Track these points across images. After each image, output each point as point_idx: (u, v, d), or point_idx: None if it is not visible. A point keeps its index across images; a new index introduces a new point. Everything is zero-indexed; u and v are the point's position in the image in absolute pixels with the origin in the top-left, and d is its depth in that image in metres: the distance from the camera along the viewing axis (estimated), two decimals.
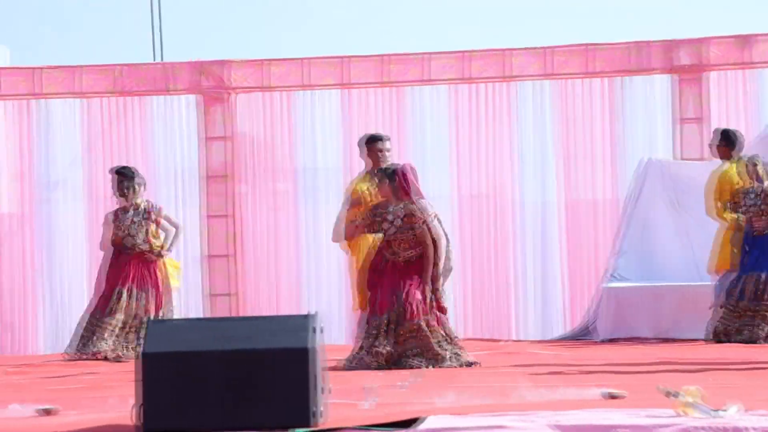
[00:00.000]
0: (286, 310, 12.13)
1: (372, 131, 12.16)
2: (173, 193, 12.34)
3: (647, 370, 7.86)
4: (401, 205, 8.63)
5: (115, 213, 10.45)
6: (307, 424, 5.03)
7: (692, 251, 11.32)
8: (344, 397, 6.18)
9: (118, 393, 6.99)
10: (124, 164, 11.19)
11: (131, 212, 10.39)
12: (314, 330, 5.23)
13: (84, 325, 10.33)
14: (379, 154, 9.47)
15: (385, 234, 8.67)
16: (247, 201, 12.40)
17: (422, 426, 4.93)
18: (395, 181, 8.63)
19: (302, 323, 5.22)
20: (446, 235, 8.74)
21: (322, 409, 5.18)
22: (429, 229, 8.60)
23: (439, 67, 12.15)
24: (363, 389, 6.54)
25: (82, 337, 10.24)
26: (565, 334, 11.75)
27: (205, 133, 12.30)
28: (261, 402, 5.06)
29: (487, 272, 12.14)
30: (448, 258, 8.72)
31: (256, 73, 12.24)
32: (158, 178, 12.43)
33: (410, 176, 8.70)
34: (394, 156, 12.19)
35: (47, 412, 5.90)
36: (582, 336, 11.48)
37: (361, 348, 8.60)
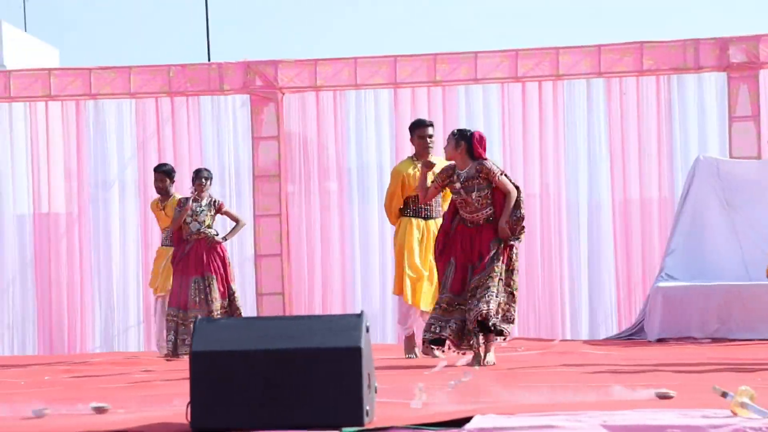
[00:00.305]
0: (335, 309, 12.16)
1: None
2: (224, 193, 12.42)
3: (698, 370, 7.80)
4: (474, 164, 8.71)
5: (179, 201, 10.71)
6: (360, 423, 5.02)
7: (741, 250, 11.22)
8: (393, 396, 6.18)
9: (170, 391, 7.04)
10: (166, 162, 11.45)
11: (200, 202, 10.62)
12: (367, 329, 5.24)
13: (166, 323, 10.54)
14: (421, 140, 9.47)
15: (460, 195, 8.73)
16: (297, 200, 12.44)
17: (471, 425, 4.92)
18: (471, 141, 8.73)
19: (354, 322, 5.22)
20: (517, 187, 8.79)
21: (371, 408, 5.19)
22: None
23: (488, 66, 12.12)
24: (412, 388, 6.55)
25: (171, 337, 10.39)
26: (619, 333, 11.70)
27: (255, 133, 12.36)
28: (312, 401, 5.06)
29: (538, 272, 12.11)
30: (519, 207, 8.76)
31: (306, 72, 12.28)
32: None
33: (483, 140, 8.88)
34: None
35: (100, 410, 5.94)
36: (635, 335, 11.42)
37: (431, 324, 8.69)
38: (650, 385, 6.16)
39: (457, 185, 8.72)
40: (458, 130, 8.89)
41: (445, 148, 8.92)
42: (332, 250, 12.37)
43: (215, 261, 10.55)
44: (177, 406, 5.73)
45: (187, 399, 5.16)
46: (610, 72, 12.04)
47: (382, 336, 12.17)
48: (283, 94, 12.38)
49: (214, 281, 10.49)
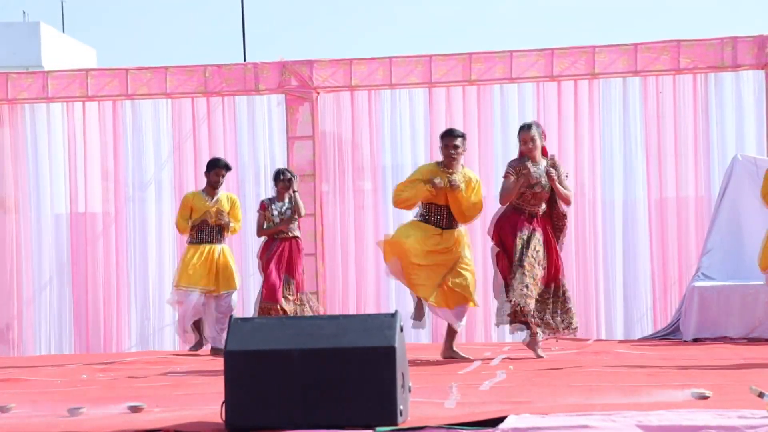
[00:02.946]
0: (369, 308, 12.17)
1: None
2: (258, 192, 12.46)
3: (735, 371, 7.75)
4: (545, 161, 9.01)
5: (263, 203, 10.88)
6: (394, 423, 5.02)
7: None
8: (427, 395, 6.18)
9: (205, 390, 7.07)
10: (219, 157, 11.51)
11: (284, 201, 10.77)
12: (401, 328, 5.23)
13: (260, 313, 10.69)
14: (445, 149, 9.16)
15: (529, 189, 8.96)
16: (331, 200, 12.46)
17: (505, 425, 4.91)
18: (543, 138, 9.04)
19: (389, 321, 5.22)
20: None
21: (405, 407, 5.18)
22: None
23: (523, 65, 12.10)
24: (446, 388, 6.54)
25: None
26: (655, 333, 11.65)
27: (290, 133, 12.38)
28: (346, 400, 5.06)
29: (573, 271, 12.07)
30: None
31: (341, 72, 12.30)
32: (245, 177, 12.56)
33: None
34: (480, 154, 12.23)
35: (136, 410, 5.97)
36: (671, 335, 11.37)
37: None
38: (686, 386, 6.12)
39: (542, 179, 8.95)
40: (528, 125, 9.13)
41: (534, 140, 8.99)
42: (366, 249, 12.37)
43: (298, 264, 10.74)
44: (212, 406, 5.75)
45: (222, 398, 5.18)
46: (647, 71, 11.98)
47: (416, 335, 12.16)
48: (318, 93, 12.40)
49: (293, 283, 10.67)
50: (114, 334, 12.60)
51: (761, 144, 11.85)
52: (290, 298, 10.70)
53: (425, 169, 9.35)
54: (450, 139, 9.21)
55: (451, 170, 9.16)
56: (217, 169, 10.89)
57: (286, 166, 12.07)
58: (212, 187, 10.93)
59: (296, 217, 10.85)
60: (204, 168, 11.22)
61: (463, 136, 9.29)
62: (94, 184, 12.76)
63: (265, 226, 10.84)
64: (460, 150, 9.22)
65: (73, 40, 31.12)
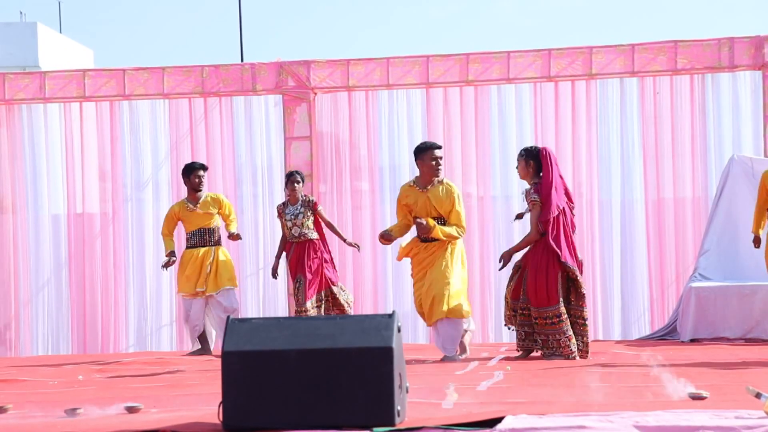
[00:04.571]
0: (367, 308, 12.17)
1: (454, 130, 12.19)
2: (256, 192, 12.46)
3: (732, 371, 7.76)
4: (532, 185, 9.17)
5: (278, 208, 10.87)
6: (391, 423, 5.02)
7: None
8: (425, 396, 6.19)
9: (202, 391, 7.07)
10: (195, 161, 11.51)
11: (297, 205, 10.72)
12: (398, 329, 5.24)
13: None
14: (433, 161, 9.14)
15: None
16: (329, 200, 12.46)
17: (503, 425, 4.91)
18: (539, 159, 9.11)
19: (386, 322, 5.22)
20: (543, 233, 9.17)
21: (402, 408, 5.19)
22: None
23: (521, 66, 12.10)
24: (443, 388, 6.55)
25: None
26: (652, 333, 11.66)
27: (288, 133, 12.39)
28: (344, 401, 5.06)
29: None
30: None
31: (338, 72, 12.30)
32: (242, 177, 12.56)
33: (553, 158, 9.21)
34: (477, 155, 12.23)
35: (133, 410, 5.97)
36: (668, 336, 11.38)
37: None
38: (685, 386, 6.13)
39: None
40: (525, 149, 9.15)
41: (517, 168, 9.21)
42: (364, 249, 12.37)
43: (312, 263, 10.64)
44: (209, 406, 5.75)
45: (220, 398, 5.18)
46: (644, 71, 11.99)
47: (413, 336, 12.17)
48: (316, 94, 12.40)
49: (303, 282, 10.56)
50: (111, 334, 12.60)
51: (758, 144, 11.87)
52: (300, 298, 10.63)
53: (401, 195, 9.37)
54: (433, 150, 9.21)
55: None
56: (195, 170, 10.93)
57: (286, 168, 12.09)
58: (194, 191, 10.95)
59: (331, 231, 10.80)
60: None
61: (439, 147, 9.37)
62: (92, 184, 12.76)
63: (288, 226, 10.76)
64: (442, 160, 9.29)
65: (71, 40, 31.11)
